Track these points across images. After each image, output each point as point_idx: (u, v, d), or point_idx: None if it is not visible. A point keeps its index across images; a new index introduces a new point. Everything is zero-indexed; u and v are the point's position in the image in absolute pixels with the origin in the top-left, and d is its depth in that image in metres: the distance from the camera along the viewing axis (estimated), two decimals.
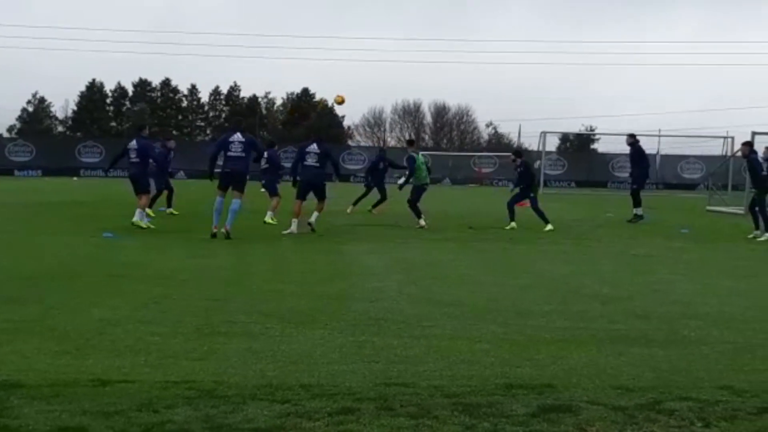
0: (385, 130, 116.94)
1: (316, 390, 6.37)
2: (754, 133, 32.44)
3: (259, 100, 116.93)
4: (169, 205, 26.10)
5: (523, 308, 10.31)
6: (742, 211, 30.02)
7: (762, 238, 20.81)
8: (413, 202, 23.28)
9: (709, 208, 35.27)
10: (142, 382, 6.50)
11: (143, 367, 7.05)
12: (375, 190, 28.82)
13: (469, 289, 11.76)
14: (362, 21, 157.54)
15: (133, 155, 21.32)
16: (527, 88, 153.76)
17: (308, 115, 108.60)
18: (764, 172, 21.87)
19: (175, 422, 5.53)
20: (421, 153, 24.22)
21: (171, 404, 5.90)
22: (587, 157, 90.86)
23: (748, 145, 23.10)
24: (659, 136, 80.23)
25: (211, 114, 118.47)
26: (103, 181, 29.80)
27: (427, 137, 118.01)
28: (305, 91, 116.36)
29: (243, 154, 18.76)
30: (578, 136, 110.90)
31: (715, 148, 68.81)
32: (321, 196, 20.33)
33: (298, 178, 20.39)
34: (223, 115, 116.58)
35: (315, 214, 20.18)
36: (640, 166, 27.29)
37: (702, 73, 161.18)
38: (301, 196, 20.20)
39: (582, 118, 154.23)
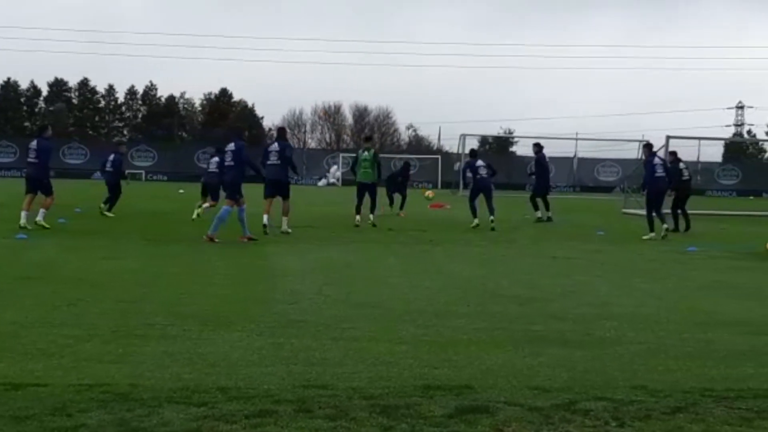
0: (306, 132, 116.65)
1: (233, 392, 6.32)
2: (668, 137, 32.99)
3: (177, 100, 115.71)
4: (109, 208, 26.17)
5: (441, 309, 10.35)
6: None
7: (645, 237, 21.78)
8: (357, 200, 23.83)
9: (624, 210, 35.79)
10: (55, 386, 6.38)
11: (56, 371, 6.92)
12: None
13: (388, 291, 11.78)
14: (283, 22, 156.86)
15: (31, 155, 21.12)
16: (448, 91, 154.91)
17: (227, 116, 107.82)
18: (657, 174, 22.44)
19: (88, 426, 5.44)
20: (366, 150, 24.11)
21: (85, 408, 5.80)
22: (506, 160, 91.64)
23: (648, 148, 23.94)
24: (576, 139, 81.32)
25: (127, 114, 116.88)
26: (18, 181, 29.31)
27: (348, 138, 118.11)
28: (224, 91, 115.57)
29: (233, 163, 19.20)
30: (497, 138, 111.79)
31: (631, 152, 69.82)
32: (285, 195, 20.66)
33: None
34: (140, 115, 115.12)
35: (284, 219, 20.54)
36: (541, 174, 28.38)
37: (620, 77, 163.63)
38: (269, 194, 20.68)
39: (502, 121, 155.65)
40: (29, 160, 21.18)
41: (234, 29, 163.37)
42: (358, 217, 23.42)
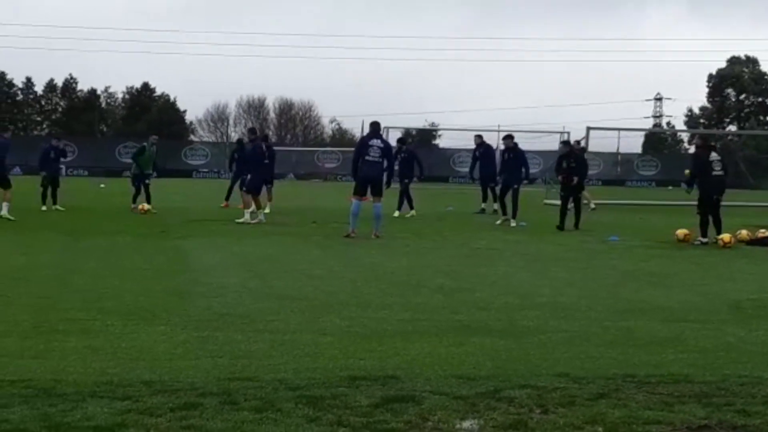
0: (228, 125, 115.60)
1: (158, 386, 6.28)
2: (589, 128, 33.41)
3: (99, 93, 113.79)
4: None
5: (365, 301, 10.38)
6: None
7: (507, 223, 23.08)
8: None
9: (546, 201, 36.11)
10: None
11: None
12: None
13: (312, 283, 11.77)
14: (208, 14, 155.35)
15: None
16: (372, 84, 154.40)
17: (149, 110, 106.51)
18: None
19: (10, 422, 5.37)
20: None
21: (6, 403, 5.73)
22: (429, 152, 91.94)
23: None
24: (498, 131, 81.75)
25: (47, 108, 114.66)
26: None
27: (271, 132, 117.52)
28: (146, 85, 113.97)
29: (380, 160, 18.83)
30: (421, 131, 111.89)
31: (553, 144, 70.48)
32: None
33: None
34: (60, 109, 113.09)
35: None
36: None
37: (544, 70, 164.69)
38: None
39: (425, 113, 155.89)
40: None
41: (157, 22, 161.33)
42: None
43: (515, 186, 23.59)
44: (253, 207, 22.02)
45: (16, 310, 9.30)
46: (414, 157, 27.96)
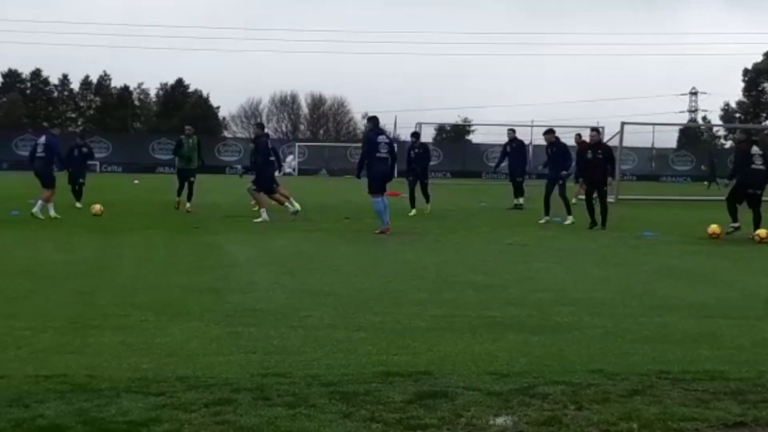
0: (262, 121, 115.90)
1: (192, 381, 6.30)
2: (623, 123, 33.24)
3: (132, 90, 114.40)
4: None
5: (397, 297, 10.37)
6: (611, 200, 30.70)
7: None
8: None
9: (579, 197, 35.93)
10: (11, 377, 6.34)
11: (13, 362, 6.88)
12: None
13: (344, 279, 11.78)
14: (238, 11, 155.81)
15: (40, 150, 22.16)
16: (403, 79, 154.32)
17: (182, 106, 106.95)
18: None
19: (46, 417, 5.41)
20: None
21: (42, 399, 5.77)
22: (462, 148, 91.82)
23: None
24: (531, 126, 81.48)
25: (81, 104, 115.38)
26: None
27: (303, 128, 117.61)
28: (179, 81, 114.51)
29: (388, 156, 18.98)
30: (454, 126, 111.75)
31: (585, 139, 70.03)
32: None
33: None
34: (94, 106, 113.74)
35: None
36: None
37: (575, 65, 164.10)
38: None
39: (458, 108, 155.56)
40: (38, 154, 22.20)
41: (191, 19, 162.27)
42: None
43: (561, 182, 23.28)
44: (266, 205, 21.97)
45: (51, 306, 9.38)
46: (427, 153, 27.63)
